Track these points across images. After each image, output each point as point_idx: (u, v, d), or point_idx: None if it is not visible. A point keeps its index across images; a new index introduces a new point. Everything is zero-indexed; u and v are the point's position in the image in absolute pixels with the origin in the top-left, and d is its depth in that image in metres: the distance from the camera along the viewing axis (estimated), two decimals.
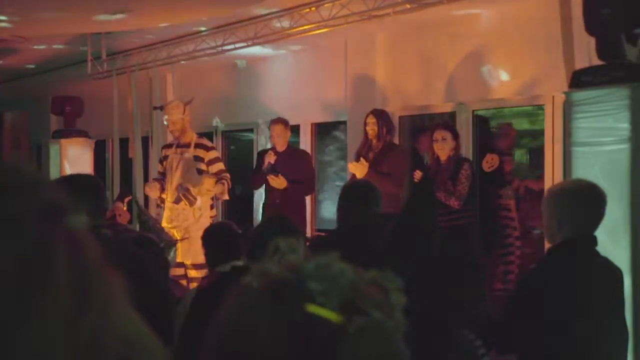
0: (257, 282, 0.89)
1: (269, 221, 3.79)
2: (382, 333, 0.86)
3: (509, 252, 6.99)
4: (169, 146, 6.98)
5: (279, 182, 6.73)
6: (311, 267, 0.88)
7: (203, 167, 6.70)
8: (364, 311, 0.85)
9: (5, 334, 0.71)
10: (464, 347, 2.05)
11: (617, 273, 3.08)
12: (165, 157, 6.91)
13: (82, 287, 0.76)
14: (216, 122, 9.72)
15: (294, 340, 0.84)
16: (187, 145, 6.77)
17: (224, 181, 6.64)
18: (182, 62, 8.53)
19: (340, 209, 3.99)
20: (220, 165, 6.83)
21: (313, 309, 0.85)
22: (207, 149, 6.81)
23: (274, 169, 6.78)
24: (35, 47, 8.53)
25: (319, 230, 8.24)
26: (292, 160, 6.90)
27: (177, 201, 6.64)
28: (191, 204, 6.59)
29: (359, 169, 6.29)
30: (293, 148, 7.34)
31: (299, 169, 6.86)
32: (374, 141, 6.47)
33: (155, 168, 8.67)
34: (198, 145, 6.78)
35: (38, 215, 0.76)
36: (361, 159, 6.37)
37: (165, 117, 6.87)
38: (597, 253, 3.02)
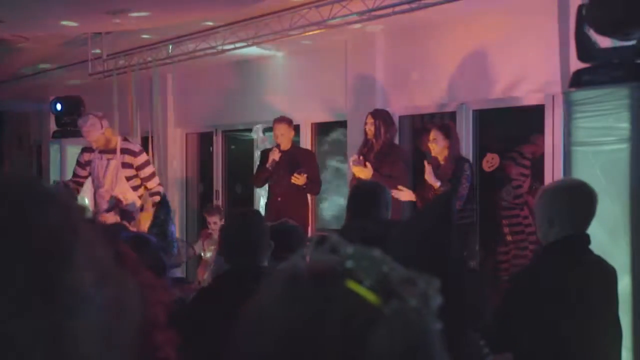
0: (295, 266, 0.90)
1: (238, 218, 3.77)
2: (417, 320, 0.85)
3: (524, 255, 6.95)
4: (91, 150, 6.66)
5: (301, 179, 6.78)
6: (350, 250, 0.89)
7: (132, 172, 6.45)
8: (401, 297, 0.85)
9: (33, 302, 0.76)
10: (468, 347, 2.05)
11: (610, 271, 3.09)
12: (89, 162, 6.60)
13: (100, 266, 0.82)
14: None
15: (332, 315, 0.84)
16: (113, 151, 6.47)
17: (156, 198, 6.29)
18: (183, 60, 8.53)
19: (349, 210, 4.01)
20: (150, 169, 6.60)
21: (352, 285, 0.85)
22: (135, 154, 6.50)
23: (275, 167, 6.84)
24: (36, 46, 8.53)
25: (319, 230, 8.24)
26: (296, 159, 6.93)
27: (109, 210, 6.40)
28: (129, 219, 6.26)
29: (363, 173, 6.31)
30: (297, 147, 7.36)
31: (306, 169, 6.87)
32: (373, 141, 6.50)
33: (154, 168, 8.67)
34: (125, 151, 6.48)
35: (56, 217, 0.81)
36: (367, 163, 6.39)
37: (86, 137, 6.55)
38: (590, 251, 3.03)
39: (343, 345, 0.83)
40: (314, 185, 6.98)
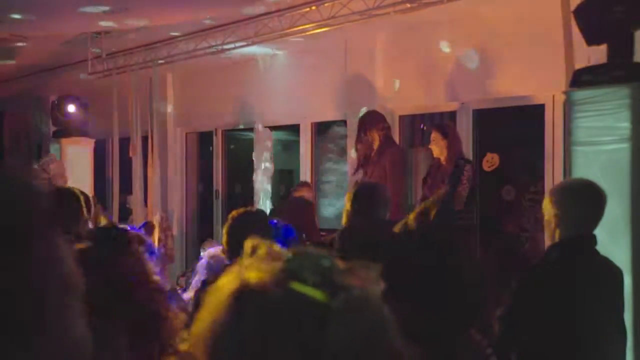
0: (238, 280, 0.90)
1: (244, 215, 3.77)
2: (367, 307, 0.86)
3: None
4: None
5: None
6: (290, 255, 0.89)
7: None
8: (346, 288, 0.86)
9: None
10: (471, 348, 2.05)
11: (616, 272, 3.09)
12: None
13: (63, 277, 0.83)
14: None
15: (283, 321, 0.84)
16: None
17: None
18: (182, 61, 8.52)
19: (348, 212, 4.02)
20: None
21: (297, 286, 0.85)
22: None
23: None
24: (36, 46, 8.53)
25: (321, 230, 8.23)
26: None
27: None
28: None
29: None
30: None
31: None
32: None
33: (155, 168, 8.68)
34: None
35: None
36: None
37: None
38: (597, 252, 3.03)
39: (300, 347, 0.82)
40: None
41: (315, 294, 0.85)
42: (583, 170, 4.20)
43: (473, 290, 2.00)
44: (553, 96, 6.13)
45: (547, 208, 3.04)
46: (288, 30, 7.02)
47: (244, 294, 0.87)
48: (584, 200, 3.00)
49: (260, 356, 0.83)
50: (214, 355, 0.86)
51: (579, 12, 4.41)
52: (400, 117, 7.59)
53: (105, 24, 7.35)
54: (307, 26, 6.84)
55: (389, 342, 0.86)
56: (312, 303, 0.84)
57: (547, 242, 3.23)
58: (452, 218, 5.69)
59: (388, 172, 6.33)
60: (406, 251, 1.99)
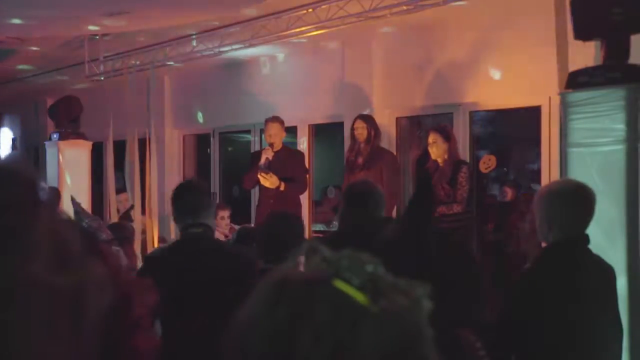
0: (284, 271, 0.92)
1: (275, 220, 3.85)
2: (404, 315, 0.87)
3: None
4: None
5: (271, 180, 6.67)
6: (339, 255, 0.91)
7: None
8: (390, 297, 0.87)
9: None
10: (465, 349, 2.06)
11: (609, 270, 3.12)
12: None
13: (62, 248, 0.84)
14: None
15: (319, 314, 0.85)
16: None
17: None
18: (179, 63, 8.52)
19: (340, 211, 4.02)
20: None
21: (340, 284, 0.87)
22: None
23: (267, 167, 6.71)
24: (32, 48, 8.53)
25: (315, 232, 8.25)
26: (286, 159, 6.85)
27: None
28: None
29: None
30: (287, 148, 7.19)
31: (293, 168, 6.82)
32: (363, 145, 6.53)
33: (156, 169, 8.69)
34: None
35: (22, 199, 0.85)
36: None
37: None
38: (590, 251, 3.05)
39: (331, 343, 0.84)
40: (298, 185, 6.88)
41: (357, 295, 0.87)
42: (579, 171, 4.21)
43: (470, 290, 2.02)
44: (549, 97, 6.14)
45: (537, 210, 3.06)
46: (285, 32, 7.03)
47: (283, 285, 0.89)
48: (572, 201, 3.01)
49: (287, 347, 0.85)
50: (244, 342, 0.88)
51: (576, 4, 4.42)
52: (398, 118, 7.60)
53: (102, 27, 7.36)
54: (304, 28, 6.86)
55: (420, 357, 0.88)
56: (352, 303, 0.86)
57: (539, 245, 3.25)
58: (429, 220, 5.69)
59: (385, 176, 6.32)
60: (398, 249, 2.01)
